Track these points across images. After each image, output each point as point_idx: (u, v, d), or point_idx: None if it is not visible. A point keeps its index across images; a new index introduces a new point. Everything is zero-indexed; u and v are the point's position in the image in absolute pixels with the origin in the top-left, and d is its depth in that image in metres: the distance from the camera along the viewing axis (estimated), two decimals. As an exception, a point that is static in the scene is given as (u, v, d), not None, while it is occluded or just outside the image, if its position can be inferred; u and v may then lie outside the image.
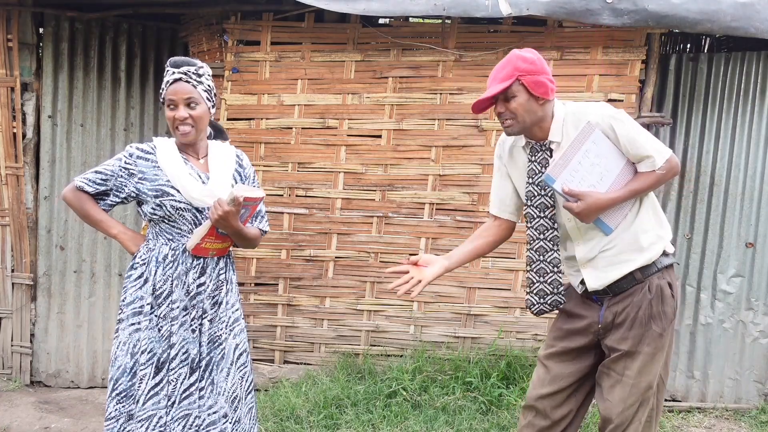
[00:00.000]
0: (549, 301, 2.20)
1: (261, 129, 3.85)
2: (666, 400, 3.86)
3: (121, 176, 2.17)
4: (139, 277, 2.18)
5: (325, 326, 3.92)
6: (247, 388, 2.31)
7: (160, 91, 2.20)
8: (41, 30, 4.03)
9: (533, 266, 2.21)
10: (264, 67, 3.84)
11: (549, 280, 2.18)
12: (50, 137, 4.04)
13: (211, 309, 2.21)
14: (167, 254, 2.17)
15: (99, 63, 4.08)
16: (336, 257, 3.87)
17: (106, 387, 4.23)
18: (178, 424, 2.15)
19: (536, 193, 2.17)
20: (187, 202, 2.13)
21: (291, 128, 3.84)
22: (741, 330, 3.82)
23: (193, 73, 2.14)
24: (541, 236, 2.18)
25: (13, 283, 4.06)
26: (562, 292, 2.20)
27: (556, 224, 2.17)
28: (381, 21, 3.94)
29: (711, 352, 3.84)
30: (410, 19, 3.89)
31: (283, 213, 3.87)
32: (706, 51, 4.23)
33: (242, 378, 2.28)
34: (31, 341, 4.11)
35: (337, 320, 3.91)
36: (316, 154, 3.84)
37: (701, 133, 3.81)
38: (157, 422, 2.13)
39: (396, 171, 3.81)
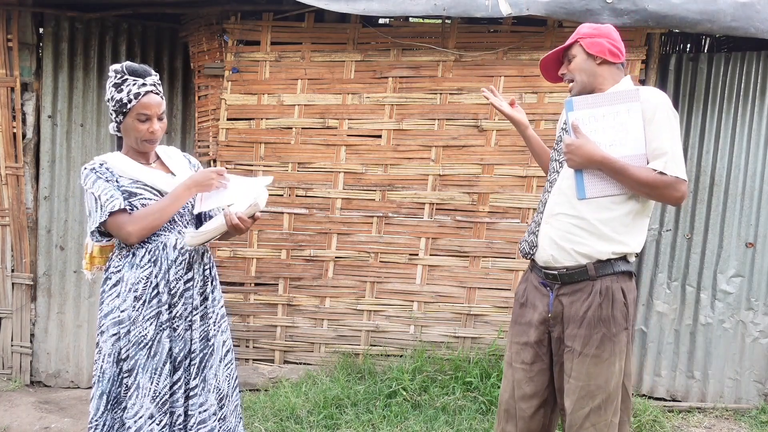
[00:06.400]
0: (528, 240, 2.28)
1: (261, 129, 3.85)
2: (666, 400, 3.87)
3: (111, 183, 2.09)
4: (115, 285, 2.14)
5: (325, 326, 3.92)
6: (234, 386, 2.31)
7: (116, 96, 2.07)
8: (41, 30, 4.03)
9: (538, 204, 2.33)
10: (264, 67, 3.84)
11: (537, 219, 2.27)
12: (50, 137, 4.05)
13: (201, 305, 2.20)
14: (143, 256, 2.12)
15: (99, 63, 4.08)
16: (336, 257, 3.87)
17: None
18: (161, 422, 2.14)
19: (562, 139, 2.23)
20: (158, 199, 2.12)
21: (291, 128, 3.84)
22: (741, 330, 3.82)
23: (158, 83, 2.12)
24: (548, 176, 2.30)
25: (13, 283, 4.06)
26: (535, 242, 2.22)
27: (561, 168, 2.21)
28: (381, 21, 3.94)
29: (711, 352, 3.84)
30: (410, 19, 3.89)
31: (283, 213, 3.88)
32: (706, 51, 4.24)
33: (229, 375, 2.28)
34: (31, 341, 4.11)
35: (337, 320, 3.91)
36: (316, 154, 3.84)
37: (701, 133, 3.81)
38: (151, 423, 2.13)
39: (396, 171, 3.80)
